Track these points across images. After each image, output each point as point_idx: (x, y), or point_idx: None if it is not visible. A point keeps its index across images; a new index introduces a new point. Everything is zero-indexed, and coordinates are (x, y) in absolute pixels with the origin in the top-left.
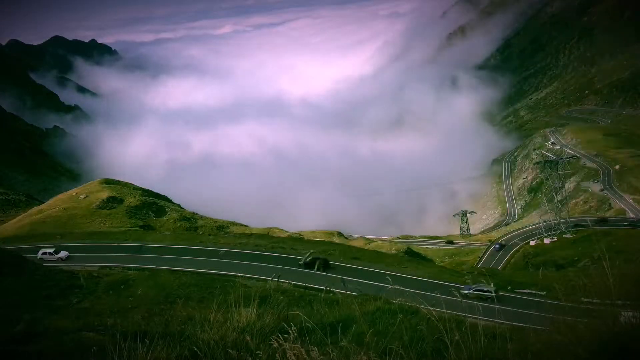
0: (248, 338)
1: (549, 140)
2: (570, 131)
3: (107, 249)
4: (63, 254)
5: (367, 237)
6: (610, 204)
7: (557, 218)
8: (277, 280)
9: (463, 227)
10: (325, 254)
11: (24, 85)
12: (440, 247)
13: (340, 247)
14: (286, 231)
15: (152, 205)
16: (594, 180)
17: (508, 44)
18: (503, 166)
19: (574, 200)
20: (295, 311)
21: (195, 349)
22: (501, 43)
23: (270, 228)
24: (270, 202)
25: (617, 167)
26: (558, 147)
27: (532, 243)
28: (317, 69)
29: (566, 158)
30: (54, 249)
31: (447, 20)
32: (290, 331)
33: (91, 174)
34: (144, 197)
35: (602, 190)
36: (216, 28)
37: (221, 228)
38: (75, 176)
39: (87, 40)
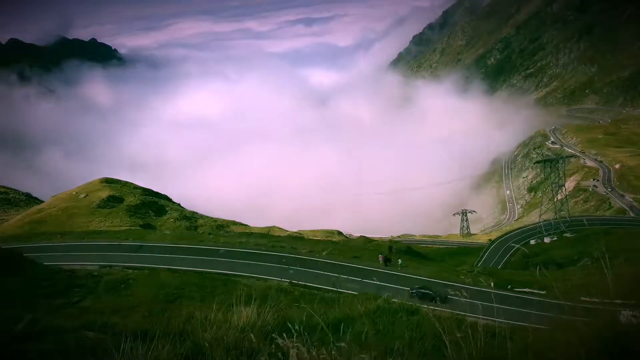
0: (249, 337)
1: (549, 139)
2: (570, 130)
3: (107, 248)
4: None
5: (367, 236)
6: (610, 203)
7: (557, 217)
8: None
9: (463, 227)
10: (325, 252)
11: (24, 84)
12: (440, 246)
13: (340, 246)
14: (286, 230)
15: (152, 204)
16: (594, 179)
17: (508, 42)
18: (503, 165)
19: (574, 200)
20: (295, 310)
21: (196, 348)
22: (501, 42)
23: (271, 227)
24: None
25: (617, 166)
26: (558, 146)
27: (532, 242)
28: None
29: (566, 157)
30: None
31: (446, 20)
32: (291, 330)
33: (93, 171)
34: (144, 196)
35: (594, 186)
36: (220, 28)
37: (221, 227)
38: (76, 174)
39: (87, 40)
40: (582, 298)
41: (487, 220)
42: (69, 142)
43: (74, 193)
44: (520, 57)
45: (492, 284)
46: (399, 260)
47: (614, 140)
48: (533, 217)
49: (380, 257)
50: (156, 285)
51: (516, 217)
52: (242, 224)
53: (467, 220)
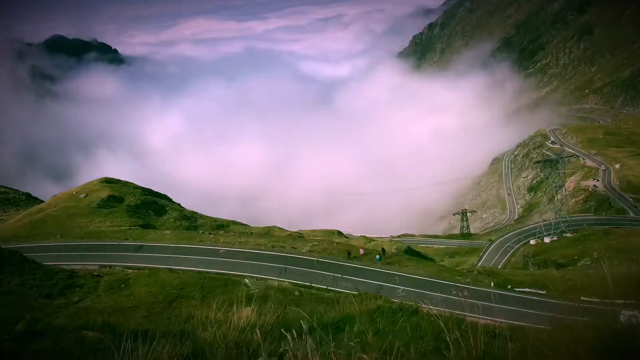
0: (249, 337)
1: (549, 139)
2: (570, 130)
3: (107, 248)
4: None
5: (367, 235)
6: (610, 203)
7: (557, 217)
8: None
9: (463, 226)
10: (326, 252)
11: (25, 84)
12: (440, 246)
13: (340, 246)
14: (286, 230)
15: (152, 204)
16: (594, 179)
17: (508, 42)
18: (503, 165)
19: (574, 200)
20: (295, 310)
21: (197, 348)
22: (501, 42)
23: (271, 227)
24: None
25: (617, 166)
26: (558, 146)
27: (532, 242)
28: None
29: (566, 157)
30: None
31: (446, 20)
32: (291, 330)
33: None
34: (144, 196)
35: (594, 186)
36: (221, 28)
37: (221, 227)
38: (77, 171)
39: (87, 39)
40: (582, 298)
41: (487, 220)
42: (69, 141)
43: (74, 193)
44: (520, 57)
45: (492, 284)
46: (377, 256)
47: (614, 140)
48: (533, 217)
49: (375, 254)
50: (156, 285)
51: (516, 217)
52: (242, 224)
53: (467, 220)
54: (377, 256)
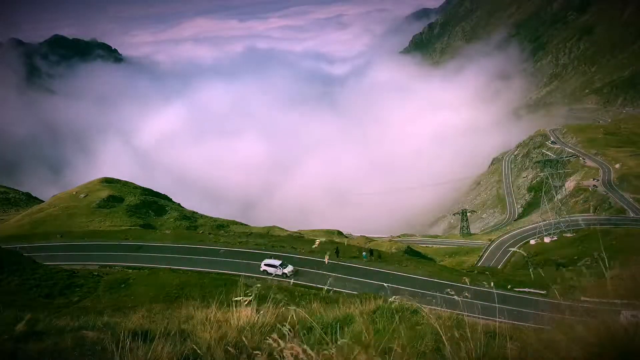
0: (248, 337)
1: (549, 139)
2: (570, 130)
3: (107, 248)
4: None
5: (367, 235)
6: (610, 203)
7: (557, 217)
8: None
9: (463, 226)
10: (325, 252)
11: (24, 84)
12: (441, 246)
13: (340, 246)
14: (286, 230)
15: (152, 204)
16: (594, 179)
17: (508, 42)
18: (503, 165)
19: (574, 200)
20: (295, 310)
21: (196, 348)
22: (501, 42)
23: (271, 227)
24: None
25: (617, 166)
26: (558, 146)
27: (532, 242)
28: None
29: (566, 157)
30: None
31: (446, 20)
32: (290, 330)
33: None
34: (144, 196)
35: (594, 186)
36: (222, 27)
37: (221, 227)
38: (79, 170)
39: (87, 39)
40: (582, 298)
41: (487, 220)
42: (69, 139)
43: (74, 193)
44: (520, 57)
45: (492, 284)
46: (363, 253)
47: (614, 140)
48: (533, 217)
49: (364, 252)
50: (156, 285)
51: (516, 217)
52: (242, 224)
53: (467, 220)
54: (364, 254)
